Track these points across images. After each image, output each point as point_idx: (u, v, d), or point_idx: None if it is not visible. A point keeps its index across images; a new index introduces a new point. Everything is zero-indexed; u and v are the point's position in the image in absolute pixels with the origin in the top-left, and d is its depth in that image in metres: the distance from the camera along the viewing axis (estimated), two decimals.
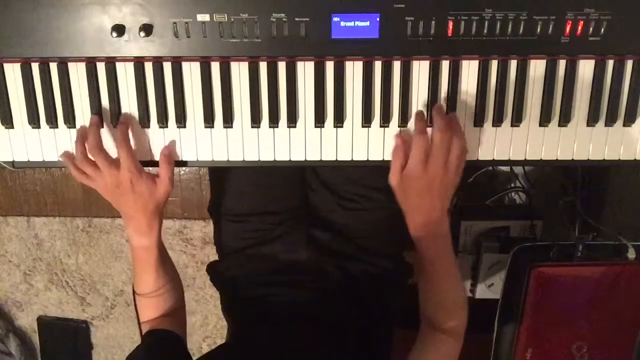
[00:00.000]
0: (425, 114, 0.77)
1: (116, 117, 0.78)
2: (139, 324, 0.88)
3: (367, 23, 0.73)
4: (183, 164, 0.80)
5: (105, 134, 0.78)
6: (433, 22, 0.72)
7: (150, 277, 0.84)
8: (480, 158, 0.79)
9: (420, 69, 0.76)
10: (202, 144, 0.79)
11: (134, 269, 0.86)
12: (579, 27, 0.73)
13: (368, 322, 0.93)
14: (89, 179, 0.75)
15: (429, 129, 0.73)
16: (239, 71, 0.77)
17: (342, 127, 0.78)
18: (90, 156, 0.74)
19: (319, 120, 0.78)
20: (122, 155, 0.73)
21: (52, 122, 0.78)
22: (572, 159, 0.79)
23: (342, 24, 0.73)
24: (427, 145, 0.71)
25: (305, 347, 0.84)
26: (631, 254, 1.04)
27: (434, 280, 0.82)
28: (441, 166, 0.71)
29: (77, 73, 0.77)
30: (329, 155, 0.79)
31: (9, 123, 0.79)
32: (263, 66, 0.77)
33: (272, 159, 0.80)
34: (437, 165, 0.71)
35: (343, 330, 0.89)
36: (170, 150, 0.78)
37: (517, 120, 0.78)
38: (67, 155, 0.77)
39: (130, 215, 0.78)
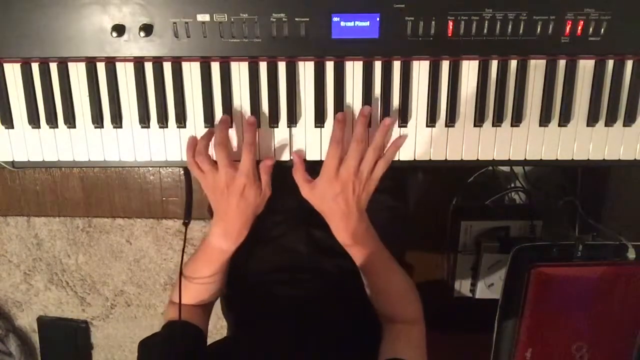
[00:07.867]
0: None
1: (119, 117, 0.78)
2: (180, 304, 0.86)
3: (367, 23, 0.73)
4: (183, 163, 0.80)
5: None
6: (433, 22, 0.72)
7: (207, 271, 0.85)
8: (480, 158, 0.80)
9: (420, 69, 0.76)
10: None
11: (195, 256, 0.87)
12: (579, 27, 0.73)
13: (367, 321, 0.93)
14: (202, 173, 0.76)
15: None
16: (239, 71, 0.77)
17: None
18: (213, 152, 0.75)
19: (319, 120, 0.78)
20: (246, 160, 0.74)
21: (52, 122, 0.78)
22: (572, 159, 0.79)
23: (342, 24, 0.73)
24: (339, 153, 0.74)
25: (304, 345, 0.84)
26: (631, 254, 1.04)
27: (373, 278, 0.83)
28: (352, 172, 0.74)
29: (77, 73, 0.77)
30: None
31: (9, 123, 0.79)
32: (263, 66, 0.77)
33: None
34: (348, 172, 0.74)
35: (341, 328, 0.89)
36: (271, 161, 0.78)
37: (517, 120, 0.78)
38: (190, 144, 0.77)
39: (227, 217, 0.78)
